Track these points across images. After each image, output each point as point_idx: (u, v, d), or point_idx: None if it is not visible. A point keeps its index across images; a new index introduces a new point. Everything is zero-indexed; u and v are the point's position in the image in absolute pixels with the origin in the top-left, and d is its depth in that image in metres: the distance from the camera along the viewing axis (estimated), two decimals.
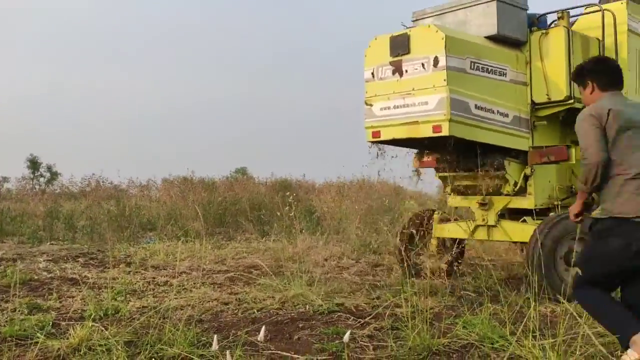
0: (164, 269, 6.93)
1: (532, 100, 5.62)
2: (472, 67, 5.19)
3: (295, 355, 3.62)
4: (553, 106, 5.59)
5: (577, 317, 3.50)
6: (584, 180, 3.18)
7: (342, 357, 3.55)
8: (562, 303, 3.82)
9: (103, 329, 3.95)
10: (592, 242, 3.38)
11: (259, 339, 2.92)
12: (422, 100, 5.11)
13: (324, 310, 4.77)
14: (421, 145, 5.82)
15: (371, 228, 10.79)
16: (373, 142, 5.74)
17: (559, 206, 5.63)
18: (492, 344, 3.64)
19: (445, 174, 6.04)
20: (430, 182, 7.21)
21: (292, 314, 4.71)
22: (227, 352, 2.92)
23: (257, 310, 4.83)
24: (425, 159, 6.12)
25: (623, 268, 3.15)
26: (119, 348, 3.55)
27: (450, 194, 6.27)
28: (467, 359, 3.51)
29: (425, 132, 5.14)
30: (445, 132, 5.00)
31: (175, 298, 5.14)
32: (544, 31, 5.59)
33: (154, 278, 6.30)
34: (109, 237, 8.44)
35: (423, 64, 5.11)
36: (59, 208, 12.65)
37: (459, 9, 5.59)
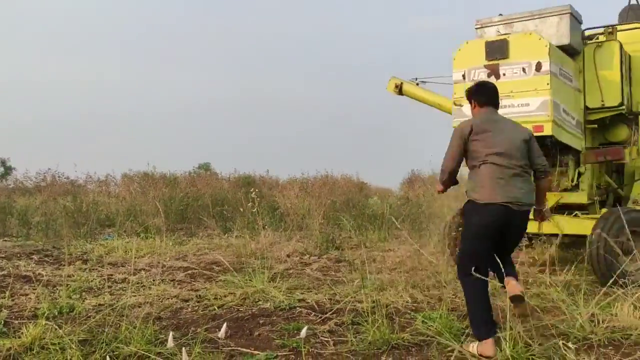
0: (122, 266, 6.79)
1: (585, 105, 6.13)
2: (560, 73, 5.66)
3: (256, 352, 3.60)
4: (605, 111, 6.14)
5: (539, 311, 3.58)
6: (440, 178, 3.92)
7: (302, 352, 3.55)
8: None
9: (57, 327, 3.82)
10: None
11: (219, 335, 2.88)
12: (522, 102, 5.49)
13: (285, 306, 4.76)
14: None
15: (334, 224, 10.84)
16: None
17: (597, 202, 6.27)
18: (449, 338, 3.68)
19: None
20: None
21: (253, 310, 4.68)
22: (183, 349, 2.87)
23: (218, 307, 4.78)
24: None
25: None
26: (73, 347, 3.45)
27: None
28: (426, 352, 3.55)
29: None
30: (547, 131, 5.42)
31: (133, 295, 5.04)
32: (598, 44, 6.16)
33: (111, 275, 6.16)
34: (65, 234, 8.21)
35: (524, 69, 5.51)
36: (13, 203, 12.23)
37: (529, 19, 6.00)
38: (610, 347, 3.62)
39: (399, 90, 10.09)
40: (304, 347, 3.64)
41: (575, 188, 6.19)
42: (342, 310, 4.50)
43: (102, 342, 3.56)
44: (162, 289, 5.36)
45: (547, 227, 5.93)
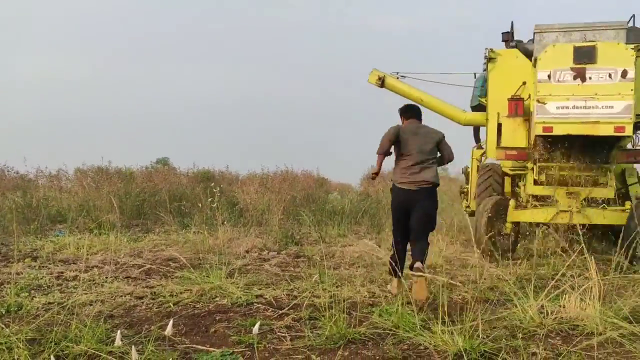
0: (74, 263, 6.60)
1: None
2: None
3: (211, 349, 3.55)
4: None
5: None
6: (377, 160, 5.13)
7: (259, 348, 3.53)
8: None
9: (3, 326, 3.70)
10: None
11: (166, 332, 2.82)
12: (606, 104, 6.06)
13: (243, 302, 4.72)
14: (574, 142, 6.65)
15: (294, 219, 10.83)
16: (542, 136, 6.52)
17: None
18: (405, 332, 3.73)
19: (542, 164, 7.11)
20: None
21: (210, 307, 4.62)
22: (133, 347, 2.80)
23: (173, 304, 4.70)
24: (512, 152, 7.40)
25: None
26: (21, 346, 3.33)
27: (522, 185, 7.64)
28: (382, 346, 3.58)
29: (606, 131, 6.15)
30: (628, 132, 6.11)
31: (85, 293, 4.91)
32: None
33: (62, 273, 5.98)
34: (14, 230, 7.90)
35: (610, 74, 6.07)
36: None
37: (588, 29, 6.70)
38: (557, 338, 3.73)
39: (382, 82, 10.27)
40: (261, 343, 3.62)
41: (603, 184, 6.83)
42: (300, 306, 4.49)
43: (51, 342, 3.45)
44: (115, 286, 5.24)
45: (578, 218, 6.63)
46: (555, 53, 6.32)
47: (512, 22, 8.75)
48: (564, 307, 4.12)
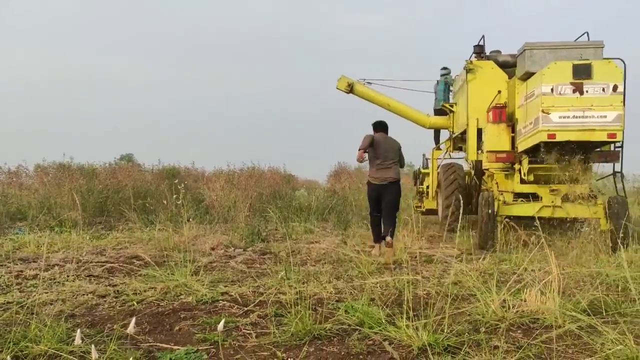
0: (34, 262, 6.42)
1: None
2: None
3: (175, 347, 3.51)
4: None
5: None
6: (360, 153, 7.15)
7: (224, 345, 3.50)
8: None
9: None
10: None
11: (128, 331, 2.77)
12: (600, 114, 6.95)
13: (208, 300, 4.68)
14: (569, 147, 7.45)
15: (261, 216, 10.78)
16: (546, 143, 7.32)
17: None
18: (370, 327, 3.76)
19: (527, 166, 8.06)
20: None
21: (174, 305, 4.56)
22: (92, 346, 2.74)
23: (137, 302, 4.61)
24: (501, 155, 8.49)
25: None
26: None
27: (509, 184, 8.67)
28: (347, 342, 3.60)
29: (600, 137, 7.04)
30: (619, 138, 7.07)
31: (45, 292, 4.78)
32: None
33: (21, 272, 5.81)
34: None
35: (603, 88, 6.98)
36: None
37: (573, 47, 7.89)
38: (518, 331, 3.82)
39: (351, 88, 11.08)
40: (226, 341, 3.59)
41: (581, 182, 7.65)
42: (266, 303, 4.48)
43: (10, 342, 3.34)
44: (76, 285, 5.12)
45: (559, 212, 7.78)
46: (556, 70, 7.18)
47: (482, 35, 9.74)
48: (525, 301, 4.22)
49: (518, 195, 8.41)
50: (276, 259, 6.87)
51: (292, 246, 7.78)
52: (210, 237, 8.22)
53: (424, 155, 11.87)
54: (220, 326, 2.86)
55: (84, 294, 4.84)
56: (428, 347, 3.31)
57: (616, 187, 8.17)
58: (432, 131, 11.94)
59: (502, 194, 8.55)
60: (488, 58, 9.52)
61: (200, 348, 3.48)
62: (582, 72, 7.04)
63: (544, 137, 7.19)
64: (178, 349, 3.47)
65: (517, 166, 8.39)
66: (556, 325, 3.74)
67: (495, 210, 7.76)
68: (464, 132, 9.79)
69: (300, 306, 3.88)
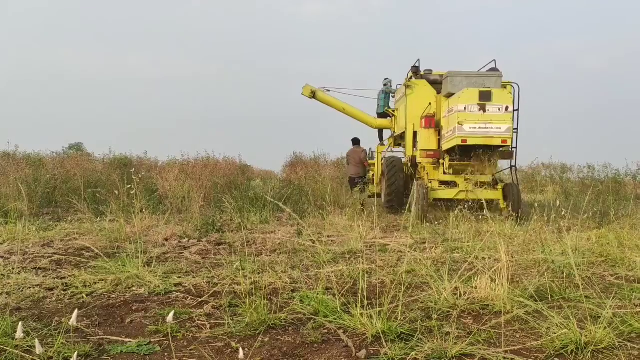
0: None
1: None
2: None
3: (127, 339, 3.43)
4: None
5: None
6: (349, 168, 14.12)
7: (177, 337, 3.45)
8: None
9: None
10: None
11: (70, 322, 2.68)
12: (497, 127, 9.83)
13: (161, 291, 4.59)
14: (475, 148, 10.60)
15: (216, 206, 10.65)
16: (460, 146, 10.15)
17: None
18: (325, 316, 3.78)
19: (448, 162, 10.99)
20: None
21: (126, 297, 4.45)
22: (36, 339, 2.65)
23: (87, 295, 4.48)
24: (430, 152, 11.44)
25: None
26: None
27: (436, 174, 11.47)
28: (302, 331, 3.61)
29: (496, 142, 9.94)
30: (508, 143, 10.00)
31: None
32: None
33: None
34: None
35: (499, 108, 9.84)
36: None
37: (481, 77, 10.83)
38: (469, 317, 3.92)
39: (313, 95, 14.11)
40: (180, 332, 3.54)
41: (486, 174, 10.86)
42: (220, 293, 4.44)
43: None
44: (22, 277, 4.93)
45: (472, 195, 10.12)
46: (468, 94, 9.99)
47: (418, 59, 12.55)
48: (475, 288, 4.33)
49: (442, 183, 11.13)
50: (231, 249, 6.81)
51: (248, 236, 7.73)
52: (163, 227, 8.07)
53: (370, 149, 14.55)
54: (170, 317, 2.80)
55: (30, 287, 4.66)
56: (382, 335, 3.35)
57: (512, 177, 11.19)
58: (377, 130, 14.61)
59: (430, 181, 11.25)
60: (422, 77, 12.23)
61: (152, 340, 3.42)
62: (485, 97, 9.86)
63: (459, 142, 10.01)
64: (130, 341, 3.39)
65: (441, 161, 11.25)
66: (505, 311, 3.86)
67: (426, 193, 10.42)
68: (403, 133, 12.53)
69: (255, 296, 3.86)
